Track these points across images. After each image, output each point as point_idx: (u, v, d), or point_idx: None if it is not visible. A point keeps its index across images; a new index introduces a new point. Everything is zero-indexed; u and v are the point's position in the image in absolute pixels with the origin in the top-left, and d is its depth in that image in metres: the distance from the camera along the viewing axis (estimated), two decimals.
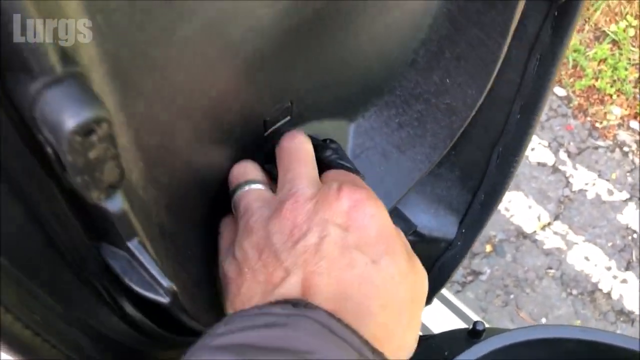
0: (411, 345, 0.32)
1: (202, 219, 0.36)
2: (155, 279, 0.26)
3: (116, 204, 0.23)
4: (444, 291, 1.16)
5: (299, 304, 0.26)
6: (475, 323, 0.55)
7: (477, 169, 0.49)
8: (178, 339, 0.34)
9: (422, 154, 0.44)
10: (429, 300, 0.66)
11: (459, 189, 0.53)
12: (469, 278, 1.64)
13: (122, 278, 0.26)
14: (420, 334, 0.63)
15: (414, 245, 0.61)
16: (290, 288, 0.28)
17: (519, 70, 0.42)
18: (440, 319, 1.12)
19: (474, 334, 0.56)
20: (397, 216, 0.57)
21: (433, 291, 0.64)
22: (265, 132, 0.39)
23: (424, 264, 0.62)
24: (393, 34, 0.39)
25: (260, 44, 0.30)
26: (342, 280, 0.28)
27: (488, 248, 1.70)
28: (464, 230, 0.55)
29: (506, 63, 0.41)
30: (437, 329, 1.09)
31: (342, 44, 0.36)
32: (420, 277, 0.33)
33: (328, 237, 0.29)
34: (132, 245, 0.25)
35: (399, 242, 0.31)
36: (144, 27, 0.23)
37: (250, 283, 0.30)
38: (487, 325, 0.55)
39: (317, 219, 0.29)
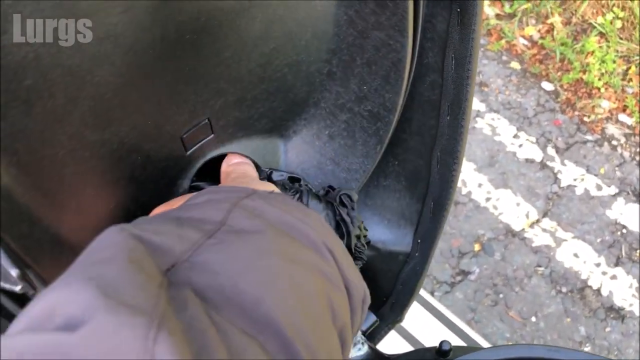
0: None
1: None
2: (4, 268, 0.27)
3: None
4: (429, 298, 1.15)
5: None
6: (441, 343, 0.54)
7: (421, 177, 0.51)
8: None
9: (356, 164, 0.46)
10: (399, 316, 0.65)
11: (408, 199, 0.54)
12: (458, 278, 1.63)
13: None
14: (395, 353, 0.62)
15: (371, 259, 0.61)
16: None
17: (439, 71, 0.43)
18: (426, 326, 1.11)
19: (441, 354, 0.55)
20: None
21: (402, 307, 0.63)
22: (187, 151, 0.40)
23: (386, 281, 0.61)
24: (297, 44, 0.39)
25: (136, 62, 0.31)
26: None
27: (477, 247, 1.69)
28: (419, 241, 0.55)
29: (426, 65, 0.43)
30: (422, 337, 1.08)
31: (242, 54, 0.37)
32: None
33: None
34: None
35: None
36: None
37: None
38: (453, 344, 0.54)
39: None
